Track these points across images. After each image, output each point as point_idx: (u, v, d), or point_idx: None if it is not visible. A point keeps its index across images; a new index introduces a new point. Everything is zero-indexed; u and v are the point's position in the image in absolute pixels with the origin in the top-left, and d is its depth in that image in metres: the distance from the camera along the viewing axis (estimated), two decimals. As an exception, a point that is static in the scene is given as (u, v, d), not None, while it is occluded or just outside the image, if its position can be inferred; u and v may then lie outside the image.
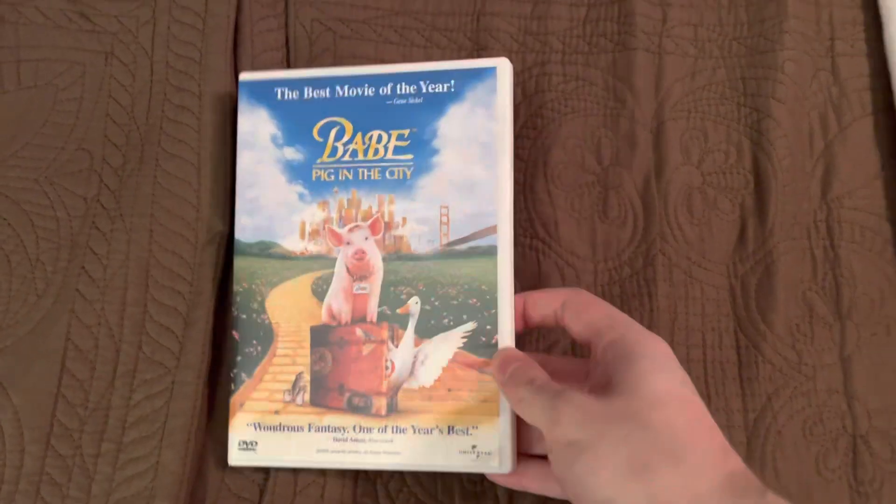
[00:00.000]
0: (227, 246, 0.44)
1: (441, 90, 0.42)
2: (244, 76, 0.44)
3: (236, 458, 0.41)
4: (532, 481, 0.39)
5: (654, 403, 0.31)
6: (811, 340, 0.45)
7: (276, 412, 0.41)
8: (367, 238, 0.41)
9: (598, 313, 0.37)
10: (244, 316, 0.42)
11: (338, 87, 0.42)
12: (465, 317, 0.40)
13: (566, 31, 0.49)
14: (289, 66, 0.48)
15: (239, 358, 0.42)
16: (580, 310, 0.37)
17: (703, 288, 0.46)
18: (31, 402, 0.41)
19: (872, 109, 0.49)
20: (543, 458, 0.38)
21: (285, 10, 0.49)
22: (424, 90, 0.42)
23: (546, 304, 0.39)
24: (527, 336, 0.45)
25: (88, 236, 0.44)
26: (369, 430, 0.40)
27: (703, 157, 0.48)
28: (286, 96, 0.43)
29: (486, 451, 0.39)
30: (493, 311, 0.40)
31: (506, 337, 0.39)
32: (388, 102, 0.42)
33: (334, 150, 0.42)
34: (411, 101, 0.42)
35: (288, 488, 0.42)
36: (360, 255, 0.41)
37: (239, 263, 0.43)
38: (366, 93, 0.42)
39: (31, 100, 0.46)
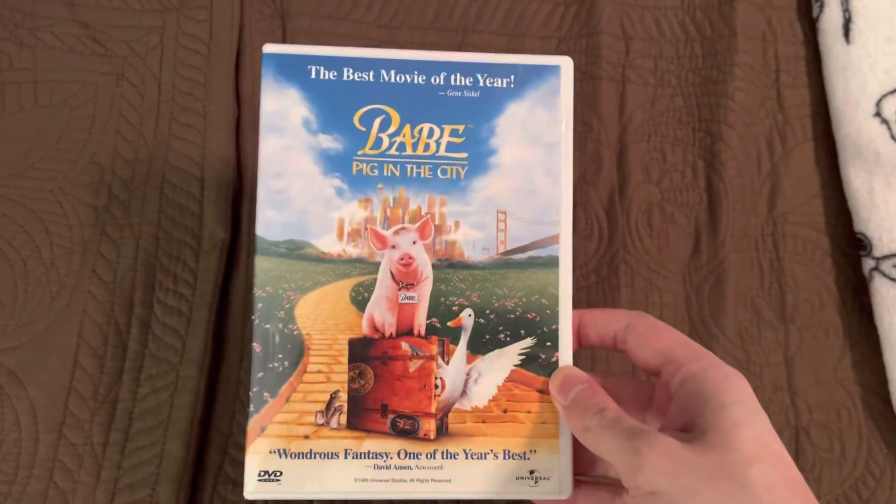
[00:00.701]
0: (228, 252, 0.48)
1: (500, 85, 0.38)
2: (270, 48, 0.37)
3: (255, 490, 0.35)
4: None
5: (750, 459, 0.29)
6: (758, 342, 0.50)
7: (307, 437, 0.36)
8: (415, 242, 0.37)
9: (671, 340, 0.35)
10: (267, 325, 0.36)
11: (383, 71, 0.37)
12: (522, 332, 0.37)
13: (539, 61, 0.54)
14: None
15: (260, 374, 0.36)
16: (648, 335, 0.35)
17: (662, 294, 0.51)
18: (45, 394, 0.45)
19: (813, 135, 0.54)
20: (594, 482, 0.37)
21: (283, 38, 0.53)
22: (482, 83, 0.37)
23: (606, 324, 0.37)
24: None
25: (99, 242, 0.47)
26: (416, 455, 0.36)
27: (662, 177, 0.53)
28: (322, 76, 0.37)
29: (544, 476, 0.36)
30: (554, 327, 0.37)
31: (567, 356, 0.37)
32: (441, 93, 0.37)
33: (378, 141, 0.37)
34: (467, 94, 0.37)
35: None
36: (408, 260, 0.37)
37: (262, 265, 0.36)
38: (415, 80, 0.37)
39: (46, 117, 0.50)
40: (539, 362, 0.37)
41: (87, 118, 0.50)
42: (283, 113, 0.37)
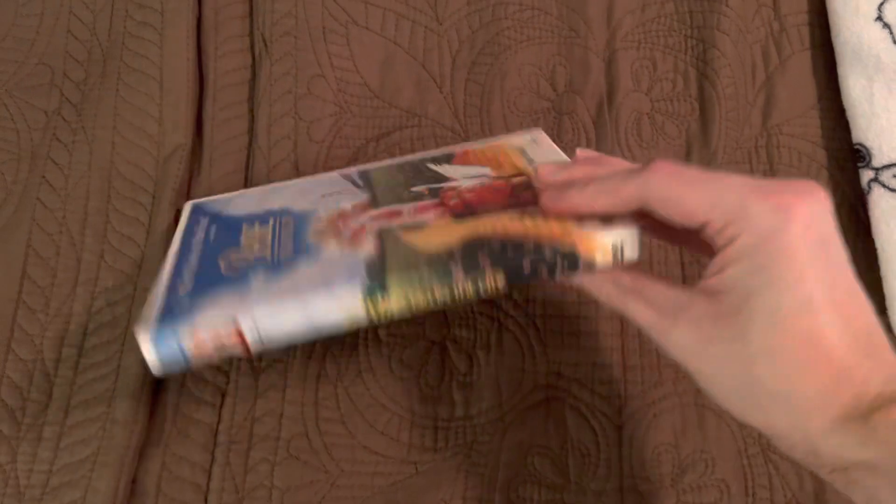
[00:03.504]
0: (189, 158, 0.45)
1: None
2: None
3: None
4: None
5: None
6: (751, 257, 0.48)
7: None
8: None
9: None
10: None
11: None
12: None
13: (523, -37, 0.51)
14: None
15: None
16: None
17: (651, 208, 0.48)
18: (-9, 306, 0.41)
19: (810, 44, 0.51)
20: None
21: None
22: None
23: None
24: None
25: (49, 147, 0.44)
26: None
27: (652, 85, 0.50)
28: None
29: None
30: None
31: None
32: None
33: None
34: None
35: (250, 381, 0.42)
36: None
37: None
38: None
39: (-10, 14, 0.46)
40: None
41: (35, 16, 0.46)
42: None
